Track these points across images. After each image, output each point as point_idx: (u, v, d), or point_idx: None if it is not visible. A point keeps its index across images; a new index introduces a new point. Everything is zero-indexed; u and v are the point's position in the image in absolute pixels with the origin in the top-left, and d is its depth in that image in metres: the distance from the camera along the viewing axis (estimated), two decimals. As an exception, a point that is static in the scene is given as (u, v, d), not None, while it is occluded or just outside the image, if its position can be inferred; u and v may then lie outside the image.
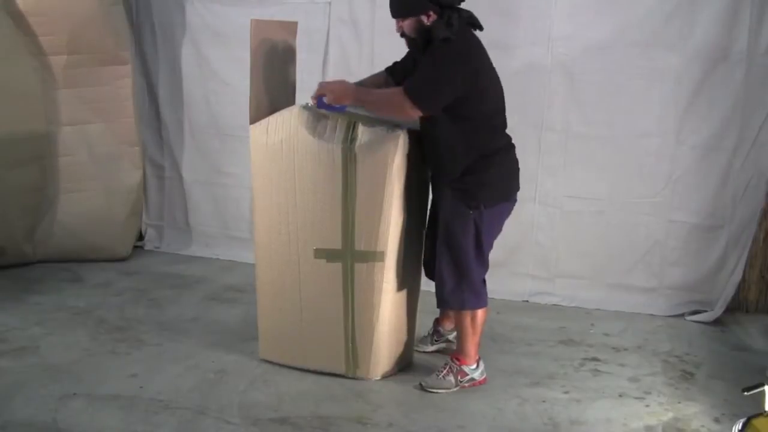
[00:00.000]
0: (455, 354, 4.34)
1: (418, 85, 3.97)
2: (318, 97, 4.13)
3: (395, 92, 4.01)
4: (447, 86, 3.96)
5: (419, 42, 4.07)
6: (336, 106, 4.11)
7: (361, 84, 4.35)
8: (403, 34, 4.12)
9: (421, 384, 4.27)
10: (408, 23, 4.06)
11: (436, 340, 4.78)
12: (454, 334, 4.57)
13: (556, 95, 5.51)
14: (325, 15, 5.92)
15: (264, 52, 4.31)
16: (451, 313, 4.46)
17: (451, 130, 4.04)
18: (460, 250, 4.14)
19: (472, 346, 4.30)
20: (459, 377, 4.28)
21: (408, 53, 4.36)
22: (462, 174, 4.09)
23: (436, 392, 4.22)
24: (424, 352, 4.72)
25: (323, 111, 4.14)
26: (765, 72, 5.21)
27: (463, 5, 4.12)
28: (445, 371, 4.28)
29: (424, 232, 4.43)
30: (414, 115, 3.98)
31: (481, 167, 4.09)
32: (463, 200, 4.09)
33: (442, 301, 4.26)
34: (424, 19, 4.01)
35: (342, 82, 4.18)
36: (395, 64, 4.47)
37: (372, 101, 4.12)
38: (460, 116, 4.02)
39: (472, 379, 4.30)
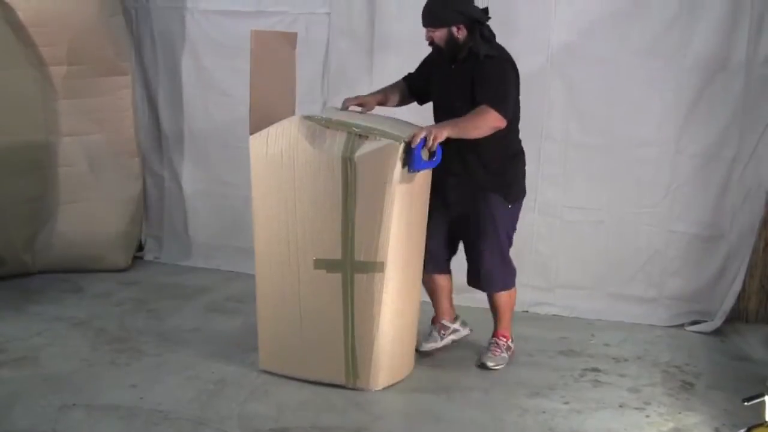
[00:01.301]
0: (500, 332, 4.82)
1: (497, 97, 4.27)
2: (417, 148, 4.05)
3: (482, 110, 4.23)
4: (513, 94, 4.41)
5: (447, 53, 4.40)
6: (434, 158, 4.17)
7: (383, 92, 4.67)
8: (431, 43, 4.44)
9: (483, 364, 4.69)
10: (439, 33, 4.38)
11: (444, 335, 4.87)
12: (458, 323, 4.94)
13: (555, 104, 5.51)
14: (324, 26, 5.92)
15: (264, 62, 4.32)
16: (493, 296, 4.79)
17: (498, 133, 4.31)
18: (501, 239, 4.63)
19: (510, 322, 4.85)
20: (508, 351, 4.79)
21: (422, 64, 4.67)
22: (500, 172, 4.53)
23: (498, 368, 4.68)
24: (433, 350, 4.82)
25: (419, 170, 4.15)
26: (764, 82, 5.21)
27: None
28: (498, 350, 4.76)
29: (425, 241, 4.45)
30: (500, 125, 4.26)
31: (512, 166, 4.62)
32: (502, 196, 4.54)
33: (489, 286, 4.72)
34: (455, 30, 4.35)
35: (430, 126, 4.21)
36: (411, 74, 4.73)
37: (464, 126, 4.24)
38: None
39: (511, 351, 4.84)
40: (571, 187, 5.59)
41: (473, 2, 4.50)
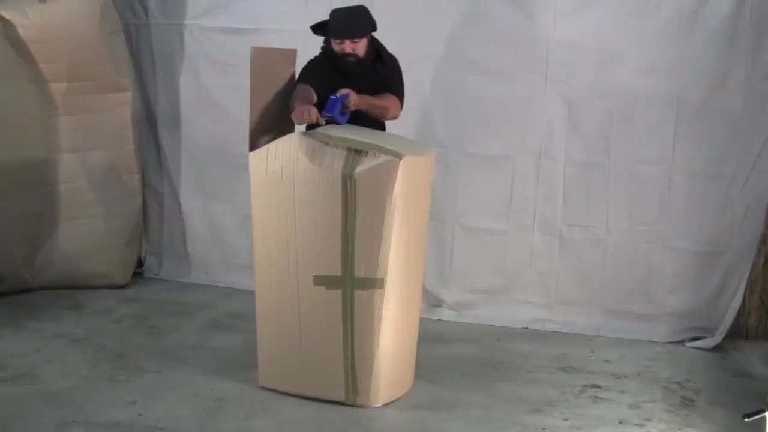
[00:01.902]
0: None
1: (401, 92, 4.63)
2: (335, 98, 4.35)
3: (392, 99, 4.57)
4: None
5: (366, 61, 4.58)
6: (344, 114, 4.39)
7: (309, 95, 4.54)
8: (350, 55, 4.53)
9: None
10: (362, 43, 4.55)
11: None
12: None
13: (554, 123, 5.52)
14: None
15: (263, 79, 4.33)
16: None
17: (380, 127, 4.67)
18: None
19: None
20: None
21: (313, 76, 4.63)
22: None
23: None
24: None
25: (328, 116, 4.34)
26: (763, 98, 5.23)
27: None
28: None
29: (424, 257, 4.46)
30: (398, 115, 4.62)
31: None
32: None
33: None
34: (369, 39, 4.60)
35: (355, 94, 4.43)
36: (306, 80, 4.65)
37: (378, 104, 4.53)
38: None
39: None
40: (570, 204, 5.59)
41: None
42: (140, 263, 6.63)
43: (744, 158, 5.31)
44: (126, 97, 6.05)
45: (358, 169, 4.03)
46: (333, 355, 4.22)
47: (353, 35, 4.51)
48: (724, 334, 5.40)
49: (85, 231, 6.01)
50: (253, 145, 4.23)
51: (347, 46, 4.51)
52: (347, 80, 4.52)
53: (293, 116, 4.33)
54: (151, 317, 5.63)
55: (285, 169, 4.15)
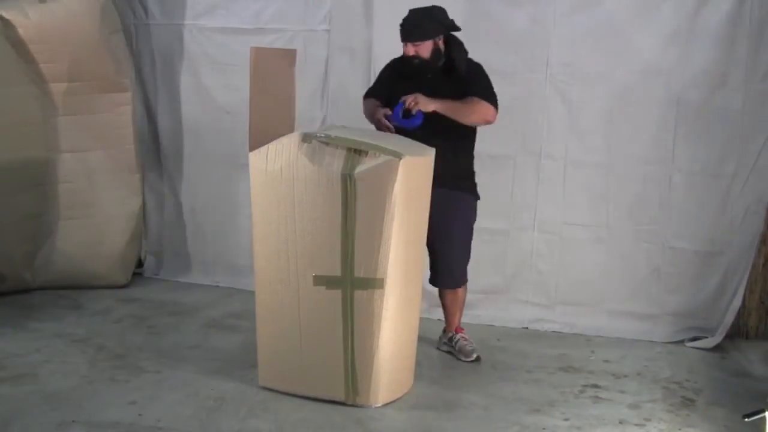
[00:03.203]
0: (459, 327, 5.04)
1: (490, 94, 4.62)
2: (398, 105, 4.50)
3: (478, 101, 4.57)
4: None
5: (432, 64, 4.62)
6: (413, 117, 4.50)
7: (368, 106, 4.81)
8: (415, 57, 4.61)
9: (478, 357, 4.95)
10: (425, 46, 4.59)
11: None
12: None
13: (554, 123, 5.53)
14: (324, 43, 5.95)
15: (264, 79, 4.33)
16: (456, 291, 4.99)
17: (467, 132, 4.73)
18: (470, 236, 4.90)
19: None
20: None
21: (381, 80, 4.91)
22: (470, 173, 4.87)
23: (472, 359, 4.94)
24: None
25: (395, 123, 4.53)
26: (763, 98, 5.24)
27: (463, 32, 4.70)
28: (467, 342, 4.99)
29: (424, 257, 4.47)
30: (492, 118, 4.61)
31: (472, 165, 4.91)
32: (473, 195, 4.86)
33: (456, 281, 4.93)
34: (438, 42, 4.62)
35: (427, 98, 4.52)
36: (375, 91, 4.92)
37: (459, 108, 4.56)
38: (472, 128, 4.75)
39: None
40: (570, 204, 5.59)
41: (447, 13, 4.66)
42: (140, 263, 6.63)
43: (744, 158, 5.31)
44: (126, 97, 6.05)
45: (358, 170, 4.03)
46: (333, 355, 4.22)
47: (414, 38, 4.58)
48: (724, 334, 5.41)
49: (85, 231, 6.01)
50: (254, 145, 4.23)
51: (410, 49, 4.60)
52: (413, 82, 4.62)
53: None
54: (151, 317, 5.63)
55: (285, 169, 4.14)
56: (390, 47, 5.34)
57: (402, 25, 4.62)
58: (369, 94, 4.92)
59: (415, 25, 4.57)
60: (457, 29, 4.68)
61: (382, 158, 4.02)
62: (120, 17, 6.07)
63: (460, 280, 4.94)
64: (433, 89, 4.56)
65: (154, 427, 3.98)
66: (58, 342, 5.07)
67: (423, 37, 4.56)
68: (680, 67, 5.31)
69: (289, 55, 4.63)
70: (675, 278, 5.52)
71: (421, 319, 4.62)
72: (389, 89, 4.76)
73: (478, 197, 4.91)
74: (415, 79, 4.64)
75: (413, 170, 4.12)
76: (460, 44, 4.68)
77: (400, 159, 4.00)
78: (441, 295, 5.02)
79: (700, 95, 5.32)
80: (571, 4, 5.43)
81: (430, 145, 4.41)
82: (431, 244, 4.71)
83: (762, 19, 5.18)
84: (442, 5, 4.68)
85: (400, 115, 4.54)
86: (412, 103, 4.46)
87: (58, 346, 5.00)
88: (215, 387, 4.47)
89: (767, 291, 5.52)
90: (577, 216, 5.60)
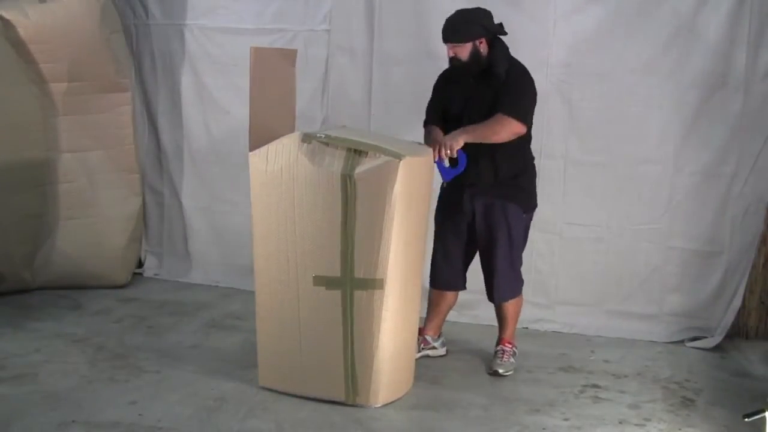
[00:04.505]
0: (507, 339, 4.92)
1: (516, 105, 4.49)
2: (437, 163, 4.49)
3: (499, 118, 4.46)
4: (532, 102, 4.61)
5: (471, 67, 4.54)
6: (458, 162, 4.51)
7: (436, 132, 4.68)
8: (454, 59, 4.54)
9: (495, 371, 4.79)
10: (464, 48, 4.51)
11: (422, 348, 4.95)
12: (439, 342, 5.06)
13: (555, 122, 5.52)
14: (324, 43, 5.94)
15: (264, 79, 4.33)
16: (503, 305, 4.90)
17: (513, 141, 4.53)
18: (517, 249, 4.79)
19: (515, 329, 4.96)
20: (515, 357, 4.90)
21: (435, 91, 4.80)
22: (516, 182, 4.70)
23: (509, 374, 4.80)
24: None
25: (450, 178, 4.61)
26: (763, 98, 5.24)
27: None
28: (506, 356, 4.86)
29: (424, 257, 4.46)
30: (521, 131, 4.49)
31: (527, 176, 4.77)
32: (519, 206, 4.70)
33: (500, 296, 4.82)
34: (478, 44, 4.51)
35: (444, 138, 4.48)
36: (433, 108, 4.81)
37: (481, 131, 4.46)
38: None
39: (517, 356, 4.95)
40: (570, 204, 5.59)
41: (492, 18, 4.60)
42: (140, 263, 6.64)
43: (744, 158, 5.31)
44: (126, 97, 6.05)
45: (358, 170, 4.03)
46: (333, 355, 4.22)
47: (452, 39, 4.53)
48: (724, 334, 5.41)
49: (85, 231, 6.01)
50: (254, 145, 4.23)
51: (449, 50, 4.55)
52: (459, 86, 4.63)
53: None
54: (151, 317, 5.63)
55: (285, 169, 4.15)
56: (390, 47, 5.36)
57: (444, 26, 4.57)
58: (428, 113, 4.82)
59: (454, 27, 4.52)
60: (503, 33, 4.61)
61: (383, 159, 4.02)
62: (120, 17, 6.07)
63: (505, 295, 4.84)
64: (474, 95, 4.58)
65: (154, 427, 3.98)
66: (58, 342, 5.07)
67: (460, 39, 4.49)
68: (680, 67, 5.31)
69: (290, 55, 4.63)
70: (675, 278, 5.52)
71: (421, 320, 4.62)
72: (442, 98, 4.75)
73: (528, 207, 4.79)
74: (460, 83, 4.63)
75: (413, 170, 4.12)
76: (504, 49, 4.62)
77: (400, 159, 4.00)
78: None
79: (701, 95, 5.31)
80: (571, 4, 5.43)
81: (469, 151, 4.46)
82: (480, 256, 4.83)
83: (762, 19, 5.18)
84: (446, 6, 4.68)
85: (446, 169, 4.58)
86: (445, 154, 4.43)
87: (58, 346, 5.00)
88: (215, 387, 4.47)
89: (767, 291, 5.52)
90: (577, 216, 5.60)
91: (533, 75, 5.44)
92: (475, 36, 4.50)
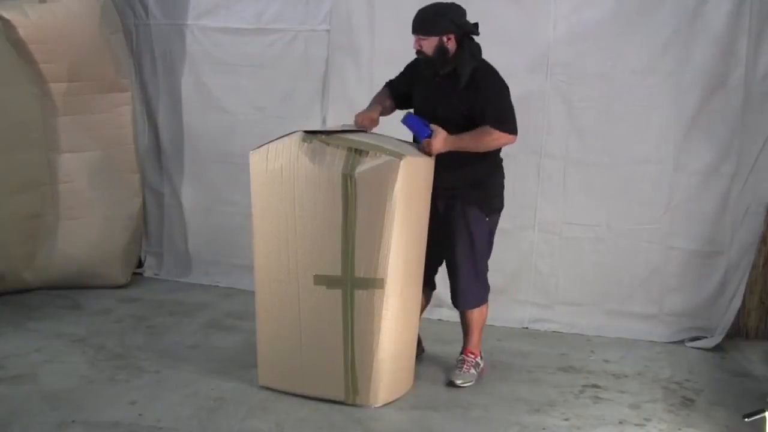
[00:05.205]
0: (469, 349, 4.73)
1: (503, 116, 4.38)
2: (420, 123, 4.40)
3: (488, 132, 4.34)
4: (511, 106, 4.44)
5: (434, 62, 4.38)
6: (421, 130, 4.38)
7: (379, 103, 4.63)
8: (419, 51, 4.39)
9: (451, 381, 4.63)
10: (429, 42, 4.35)
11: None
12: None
13: (554, 122, 5.53)
14: (324, 43, 5.94)
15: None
16: (465, 312, 4.72)
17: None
18: (480, 253, 4.60)
19: (480, 339, 4.77)
20: (477, 368, 4.72)
21: (406, 68, 4.68)
22: (481, 185, 4.52)
23: (466, 386, 4.61)
24: None
25: (407, 125, 4.44)
26: (763, 98, 5.24)
27: None
28: (465, 366, 4.69)
29: (425, 257, 4.45)
30: (512, 142, 4.41)
31: (492, 178, 4.60)
32: (481, 208, 4.52)
33: (465, 303, 4.66)
34: (445, 40, 4.34)
35: (439, 136, 4.32)
36: (392, 81, 4.76)
37: (471, 144, 4.37)
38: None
39: (481, 367, 4.77)
40: (570, 204, 5.59)
41: (465, 15, 4.45)
42: (140, 263, 6.64)
43: (744, 158, 5.31)
44: (126, 97, 6.06)
45: (359, 170, 4.02)
46: (333, 355, 4.22)
47: (418, 31, 4.38)
48: (724, 334, 5.41)
49: (84, 231, 6.01)
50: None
51: (415, 43, 4.40)
52: (425, 82, 4.52)
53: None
54: (151, 317, 5.63)
55: (285, 169, 4.15)
56: (391, 47, 5.35)
57: (414, 17, 4.42)
58: (389, 83, 4.75)
59: (422, 18, 4.37)
60: (474, 33, 4.41)
61: (383, 158, 4.02)
62: (120, 17, 6.08)
63: (470, 302, 4.67)
64: (436, 93, 4.47)
65: (154, 427, 3.98)
66: (57, 342, 5.07)
67: (426, 32, 4.34)
68: (680, 67, 5.31)
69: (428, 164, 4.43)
70: (675, 278, 5.52)
71: (421, 319, 4.62)
72: (408, 80, 4.64)
73: (489, 210, 4.59)
74: (428, 79, 4.50)
75: (414, 170, 4.12)
76: (474, 49, 4.43)
77: (401, 159, 4.00)
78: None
79: (700, 95, 5.31)
80: (571, 4, 5.43)
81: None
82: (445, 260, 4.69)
83: (762, 19, 5.18)
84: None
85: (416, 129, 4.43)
86: (426, 149, 4.30)
87: (57, 346, 5.00)
88: (215, 387, 4.47)
89: (767, 291, 5.51)
90: (578, 215, 5.60)
91: (533, 75, 5.47)
92: (442, 31, 4.32)
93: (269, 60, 6.08)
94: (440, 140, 4.29)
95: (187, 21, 6.24)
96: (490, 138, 4.35)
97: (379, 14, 5.73)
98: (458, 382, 4.61)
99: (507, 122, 4.38)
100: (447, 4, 4.43)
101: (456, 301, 4.68)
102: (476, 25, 4.44)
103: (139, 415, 4.10)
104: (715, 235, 5.44)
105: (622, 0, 5.36)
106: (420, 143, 4.37)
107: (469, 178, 4.48)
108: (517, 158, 5.55)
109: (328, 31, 5.93)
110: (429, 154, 4.29)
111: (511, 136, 4.39)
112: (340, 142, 4.12)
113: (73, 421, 4.00)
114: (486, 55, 4.65)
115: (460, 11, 4.41)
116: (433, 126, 4.33)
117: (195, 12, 6.22)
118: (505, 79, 5.10)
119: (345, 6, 5.85)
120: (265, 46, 6.06)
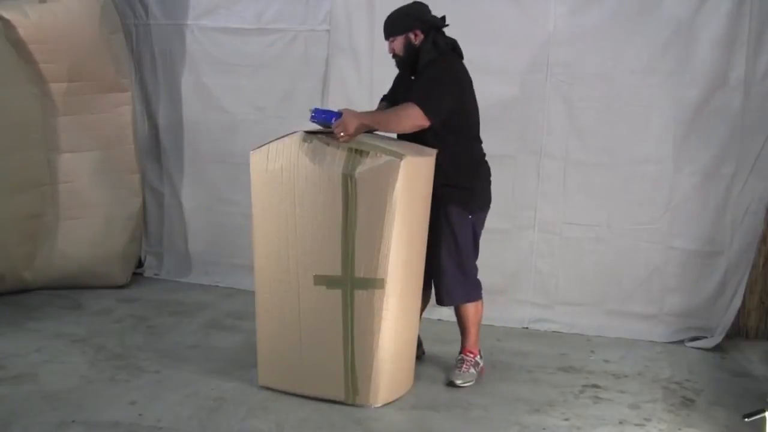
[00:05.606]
0: (467, 348, 4.72)
1: (425, 97, 4.28)
2: (316, 110, 4.29)
3: (405, 106, 4.29)
4: (447, 96, 4.33)
5: (407, 61, 4.48)
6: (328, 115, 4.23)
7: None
8: (394, 55, 4.49)
9: (451, 382, 4.62)
10: (398, 42, 4.46)
11: None
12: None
13: (554, 122, 5.53)
14: (324, 43, 5.95)
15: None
16: (458, 309, 4.71)
17: (448, 140, 4.41)
18: (465, 251, 4.55)
19: (477, 338, 4.74)
20: (476, 368, 4.70)
21: (394, 81, 4.73)
22: (459, 184, 4.48)
23: (466, 385, 4.60)
24: None
25: (315, 122, 4.30)
26: (763, 98, 5.24)
27: (459, 32, 4.51)
28: (465, 366, 4.67)
29: (424, 257, 4.46)
30: (424, 123, 4.27)
31: (472, 176, 4.56)
32: (462, 207, 4.50)
33: (450, 299, 4.62)
34: (412, 37, 4.43)
35: (348, 114, 4.19)
36: (386, 95, 4.77)
37: (380, 120, 4.32)
38: (455, 127, 4.42)
39: (480, 366, 4.74)
40: (570, 204, 5.59)
41: (429, 12, 4.50)
42: (140, 263, 6.64)
43: (744, 158, 5.31)
44: (126, 97, 6.06)
45: (359, 170, 4.02)
46: (333, 355, 4.22)
47: (385, 35, 4.52)
48: (724, 334, 5.41)
49: (85, 231, 6.01)
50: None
51: (388, 47, 4.53)
52: (404, 83, 4.58)
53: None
54: (151, 317, 5.63)
55: (285, 169, 4.14)
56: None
57: (383, 26, 4.56)
58: (382, 98, 4.79)
59: (389, 23, 4.50)
60: (441, 25, 4.46)
61: (384, 158, 4.02)
62: (120, 17, 6.08)
63: (454, 298, 4.63)
64: (408, 88, 4.50)
65: (154, 427, 3.98)
66: (57, 342, 5.07)
67: (393, 33, 4.47)
68: (680, 67, 5.31)
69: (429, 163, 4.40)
70: (675, 278, 5.52)
71: (421, 319, 4.62)
72: (394, 88, 4.72)
73: (472, 208, 4.55)
74: (407, 80, 4.58)
75: (414, 170, 4.12)
76: (437, 41, 4.41)
77: (401, 159, 4.00)
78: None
79: (700, 95, 5.31)
80: (571, 3, 5.44)
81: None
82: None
83: (762, 19, 5.18)
84: (446, 5, 4.67)
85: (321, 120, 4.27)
86: (339, 136, 4.11)
87: (57, 346, 5.00)
88: (215, 387, 4.47)
89: (767, 291, 5.51)
90: (577, 215, 5.60)
91: (533, 75, 5.46)
92: (407, 28, 4.42)
93: (269, 60, 6.09)
94: (351, 116, 4.16)
95: (187, 21, 6.25)
96: (405, 113, 4.27)
97: (379, 14, 5.70)
98: (458, 382, 4.61)
99: (428, 102, 4.26)
100: (409, 3, 4.55)
101: (440, 298, 4.63)
102: (443, 18, 4.50)
103: (139, 415, 4.10)
104: (715, 235, 5.44)
105: (622, 0, 5.36)
106: (332, 131, 4.19)
107: (451, 177, 4.44)
108: (517, 158, 5.58)
109: (328, 31, 5.94)
110: (347, 135, 4.10)
111: (424, 117, 4.24)
112: (340, 143, 4.12)
113: (73, 421, 4.00)
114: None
115: (422, 8, 4.51)
116: (341, 108, 4.27)
117: (195, 12, 6.23)
118: (506, 79, 5.13)
119: (345, 6, 5.86)
120: (265, 46, 6.07)
